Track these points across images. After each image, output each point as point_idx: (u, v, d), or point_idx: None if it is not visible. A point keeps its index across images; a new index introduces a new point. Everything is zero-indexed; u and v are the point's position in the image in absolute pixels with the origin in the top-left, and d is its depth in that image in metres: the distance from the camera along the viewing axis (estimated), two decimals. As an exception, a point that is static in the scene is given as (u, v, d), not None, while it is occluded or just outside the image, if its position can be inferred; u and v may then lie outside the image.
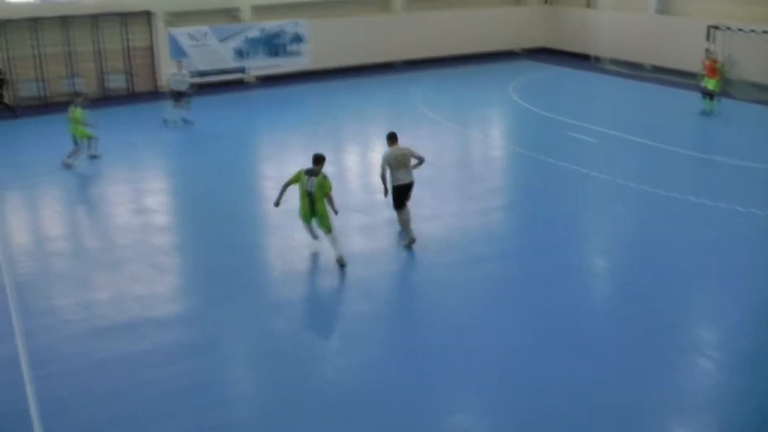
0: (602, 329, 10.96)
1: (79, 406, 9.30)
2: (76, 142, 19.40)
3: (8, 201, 17.23)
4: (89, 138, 19.59)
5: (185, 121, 23.42)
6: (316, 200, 12.86)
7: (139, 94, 27.71)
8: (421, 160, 13.76)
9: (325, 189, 12.83)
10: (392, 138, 13.69)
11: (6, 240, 14.84)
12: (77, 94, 22.75)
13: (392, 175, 13.50)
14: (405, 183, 13.59)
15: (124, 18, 27.07)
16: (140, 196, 17.51)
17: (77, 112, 19.35)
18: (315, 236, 13.82)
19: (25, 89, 26.24)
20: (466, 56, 33.39)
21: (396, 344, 10.67)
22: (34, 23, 25.83)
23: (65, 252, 14.38)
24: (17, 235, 15.37)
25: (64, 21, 26.28)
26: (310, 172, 12.94)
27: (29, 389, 9.63)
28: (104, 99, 26.77)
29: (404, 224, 13.88)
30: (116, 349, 10.56)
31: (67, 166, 19.10)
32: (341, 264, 13.02)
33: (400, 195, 13.62)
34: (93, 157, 19.82)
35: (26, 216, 16.86)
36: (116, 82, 27.61)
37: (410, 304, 12.10)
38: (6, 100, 25.40)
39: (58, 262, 13.87)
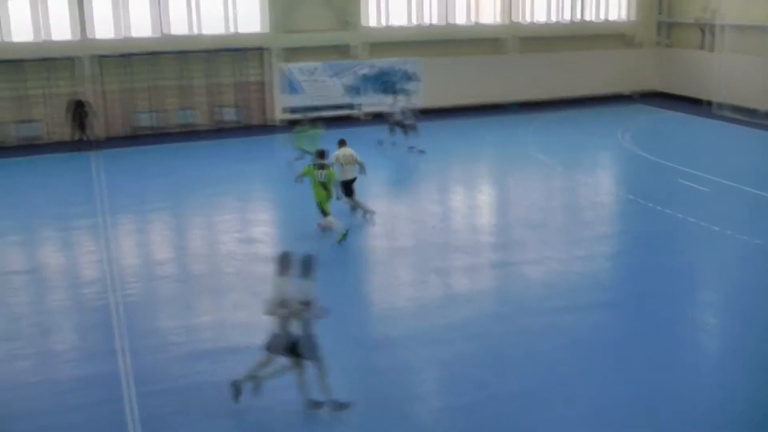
0: (707, 387, 10.56)
1: (176, 426, 9.65)
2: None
3: (123, 224, 18.17)
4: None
5: (410, 148, 24.27)
6: (327, 187, 16.22)
7: (250, 127, 28.74)
8: (362, 165, 17.33)
9: (332, 177, 16.34)
10: (342, 142, 17.71)
11: (118, 261, 15.62)
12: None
13: (341, 170, 16.98)
14: (350, 178, 17.29)
15: (239, 53, 28.26)
16: (247, 226, 18.11)
17: None
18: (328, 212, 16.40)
19: (142, 119, 27.67)
20: (577, 99, 33.11)
21: (497, 388, 10.58)
22: (153, 57, 27.31)
23: (172, 276, 15.05)
24: (128, 257, 16.15)
25: (181, 55, 27.66)
26: (319, 167, 16.18)
27: (131, 405, 10.07)
28: (217, 131, 27.93)
29: (356, 204, 17.52)
30: (216, 374, 10.90)
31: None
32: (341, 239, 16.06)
33: (347, 186, 17.23)
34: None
35: (138, 239, 17.72)
36: (229, 115, 28.76)
37: (512, 348, 12.00)
38: (88, 131, 26.57)
39: (164, 285, 14.53)
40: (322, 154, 16.43)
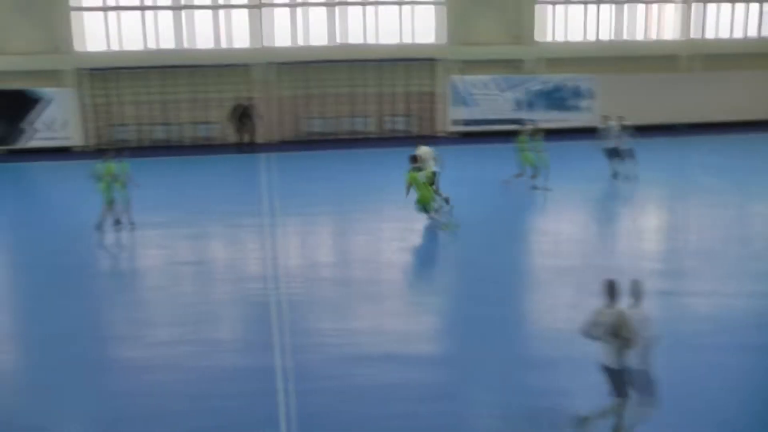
0: None
1: (327, 425, 9.67)
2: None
3: (288, 225, 18.72)
4: None
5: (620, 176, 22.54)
6: (423, 187, 17.54)
7: (419, 137, 28.83)
8: (437, 159, 18.97)
9: (429, 175, 17.71)
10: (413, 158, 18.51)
11: (282, 260, 16.06)
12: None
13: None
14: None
15: (412, 63, 28.54)
16: (408, 235, 18.12)
17: None
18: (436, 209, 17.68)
19: (313, 125, 28.54)
20: (758, 122, 30.93)
21: (654, 426, 9.84)
22: (328, 65, 28.09)
23: (333, 278, 15.29)
24: (292, 257, 16.58)
25: (355, 64, 28.27)
26: (417, 170, 17.75)
27: (285, 400, 10.22)
28: (385, 140, 28.30)
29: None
30: (370, 378, 10.90)
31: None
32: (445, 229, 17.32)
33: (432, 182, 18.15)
34: None
35: (302, 240, 18.18)
36: (398, 125, 29.08)
37: (670, 385, 11.16)
38: (251, 134, 27.63)
39: (325, 287, 14.77)
40: (414, 159, 18.36)
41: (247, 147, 27.45)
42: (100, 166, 18.23)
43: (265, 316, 13.15)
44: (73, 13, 27.58)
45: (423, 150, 19.38)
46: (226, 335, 12.87)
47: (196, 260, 16.81)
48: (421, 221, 19.44)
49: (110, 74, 27.70)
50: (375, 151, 26.92)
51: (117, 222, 18.29)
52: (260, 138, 28.19)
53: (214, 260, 16.84)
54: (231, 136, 28.14)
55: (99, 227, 18.06)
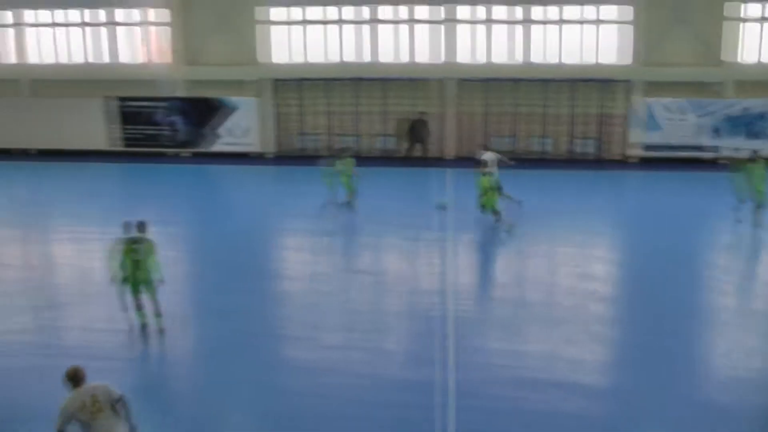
0: None
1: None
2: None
3: (465, 242, 18.79)
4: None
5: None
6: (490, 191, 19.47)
7: (606, 161, 28.13)
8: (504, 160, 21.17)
9: (497, 181, 19.96)
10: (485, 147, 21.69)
11: (456, 276, 16.13)
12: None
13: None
14: None
15: (599, 84, 27.84)
16: (587, 262, 17.66)
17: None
18: None
19: (495, 143, 28.47)
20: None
21: None
22: (513, 83, 27.96)
23: (506, 299, 15.18)
24: (466, 274, 16.64)
25: (541, 83, 27.95)
26: (486, 174, 19.61)
27: (447, 416, 10.27)
28: (570, 162, 27.77)
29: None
30: (533, 403, 10.78)
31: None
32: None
33: None
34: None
35: (477, 258, 18.20)
36: (583, 147, 28.43)
37: None
38: (424, 148, 28.05)
39: (497, 307, 14.70)
40: (482, 163, 20.13)
41: (420, 160, 27.88)
42: (335, 162, 21.36)
43: (435, 331, 13.26)
44: (261, 27, 29.11)
45: (488, 155, 20.96)
46: (394, 345, 13.09)
47: (372, 270, 17.22)
48: (602, 248, 18.93)
49: (294, 85, 29.01)
50: (559, 173, 26.46)
51: (347, 203, 21.48)
52: (443, 153, 28.50)
53: (388, 271, 17.19)
54: (409, 149, 28.66)
55: (345, 205, 21.35)
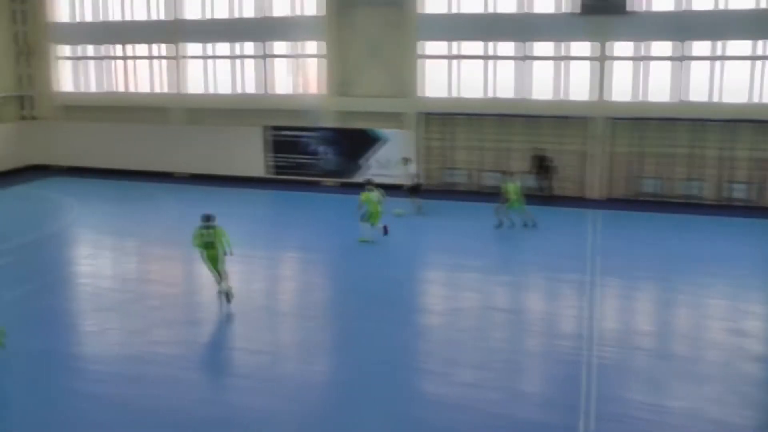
0: None
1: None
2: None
3: (609, 286, 18.42)
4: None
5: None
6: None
7: (762, 208, 26.74)
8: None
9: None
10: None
11: (598, 321, 15.87)
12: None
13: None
14: None
15: (759, 125, 26.58)
16: (738, 316, 16.87)
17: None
18: None
19: (646, 185, 27.75)
20: None
21: None
22: (667, 123, 27.19)
23: (649, 349, 14.76)
24: (608, 320, 16.31)
25: (696, 123, 27.00)
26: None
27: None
28: (722, 208, 26.65)
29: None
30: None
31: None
32: None
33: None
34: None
35: (620, 304, 17.79)
36: (738, 192, 27.20)
37: None
38: (549, 184, 27.91)
39: (640, 357, 14.32)
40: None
41: (546, 198, 27.73)
42: (508, 185, 23.50)
43: (572, 376, 13.12)
44: (414, 60, 29.74)
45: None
46: (531, 387, 13.07)
47: (510, 308, 17.20)
48: (756, 303, 18.02)
49: (442, 119, 29.42)
50: (710, 219, 25.43)
51: (525, 225, 23.69)
52: (587, 194, 28.05)
53: (527, 310, 17.10)
54: (565, 189, 28.34)
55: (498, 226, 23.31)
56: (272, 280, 19.95)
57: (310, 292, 18.52)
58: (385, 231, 22.21)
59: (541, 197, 27.63)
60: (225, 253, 16.69)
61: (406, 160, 26.81)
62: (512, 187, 23.54)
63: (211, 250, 16.63)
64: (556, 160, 28.13)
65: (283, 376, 13.51)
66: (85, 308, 17.62)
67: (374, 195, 22.21)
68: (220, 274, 16.70)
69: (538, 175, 28.11)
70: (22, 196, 29.93)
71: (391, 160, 29.58)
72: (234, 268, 20.04)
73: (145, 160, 33.82)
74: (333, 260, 21.31)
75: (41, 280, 19.07)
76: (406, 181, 26.54)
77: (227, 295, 16.61)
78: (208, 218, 16.84)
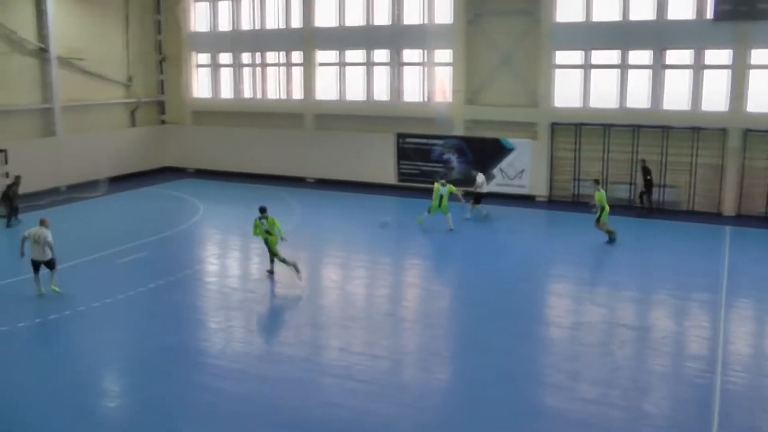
0: None
1: None
2: None
3: (740, 307, 17.77)
4: None
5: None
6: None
7: None
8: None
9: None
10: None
11: (728, 344, 15.31)
12: None
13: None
14: None
15: None
16: None
17: None
18: None
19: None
20: None
21: None
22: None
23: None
24: (739, 343, 15.70)
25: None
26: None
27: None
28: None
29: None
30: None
31: None
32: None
33: None
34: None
35: (753, 328, 17.07)
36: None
37: None
38: (648, 197, 27.40)
39: (771, 383, 13.67)
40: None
41: (646, 210, 27.24)
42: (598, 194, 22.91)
43: (701, 399, 12.73)
44: (543, 70, 29.44)
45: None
46: (655, 408, 12.74)
47: (637, 325, 16.77)
48: None
49: (571, 129, 28.96)
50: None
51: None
52: (721, 209, 26.98)
53: (656, 328, 16.57)
54: (699, 203, 27.46)
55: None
56: (395, 286, 20.21)
57: (433, 300, 18.65)
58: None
59: (642, 209, 26.88)
60: (280, 239, 19.48)
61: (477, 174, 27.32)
62: (600, 196, 22.91)
63: (272, 236, 19.34)
64: (689, 173, 27.26)
65: (404, 383, 13.73)
66: (211, 306, 18.39)
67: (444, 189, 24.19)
68: (277, 256, 19.42)
69: (645, 187, 27.34)
70: (155, 196, 31.50)
71: (518, 169, 29.41)
72: (359, 273, 20.67)
73: (275, 165, 35.06)
74: (455, 269, 21.44)
75: (171, 276, 20.05)
76: (475, 190, 26.91)
77: (296, 267, 19.21)
78: (263, 210, 19.69)
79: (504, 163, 30.00)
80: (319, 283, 20.44)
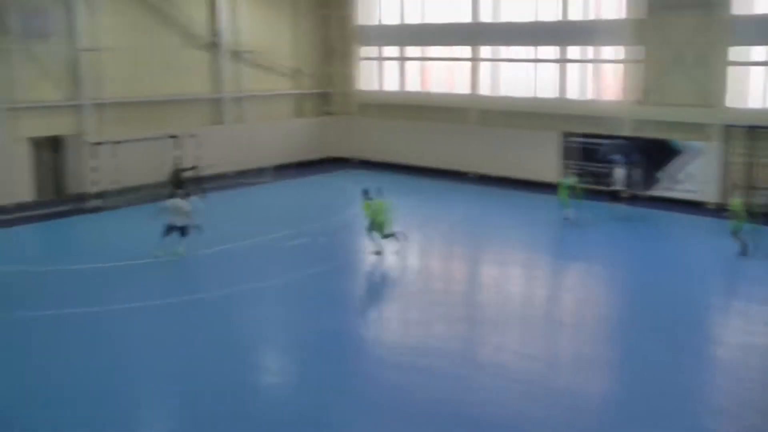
0: None
1: None
2: None
3: None
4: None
5: None
6: None
7: None
8: None
9: None
10: None
11: None
12: None
13: None
14: None
15: None
16: None
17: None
18: None
19: None
20: None
21: None
22: None
23: None
24: None
25: None
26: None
27: None
28: None
29: None
30: None
31: None
32: None
33: None
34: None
35: None
36: None
37: None
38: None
39: None
40: None
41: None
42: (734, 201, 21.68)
43: None
44: (727, 68, 27.69)
45: None
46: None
47: None
48: None
49: (747, 132, 27.11)
50: None
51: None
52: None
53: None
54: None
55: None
56: (554, 287, 19.82)
57: (592, 305, 18.08)
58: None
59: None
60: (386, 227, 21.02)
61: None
62: (737, 203, 21.60)
63: (379, 217, 20.79)
64: None
65: (558, 387, 13.42)
66: (370, 295, 18.70)
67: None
68: (385, 237, 21.00)
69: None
70: (321, 185, 32.42)
71: (692, 174, 27.96)
72: (517, 271, 20.44)
73: (437, 158, 35.18)
74: (619, 273, 20.62)
75: (332, 262, 20.57)
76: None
77: (397, 239, 21.18)
78: (366, 192, 21.42)
79: (672, 166, 28.60)
80: (477, 279, 20.35)
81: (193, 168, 28.28)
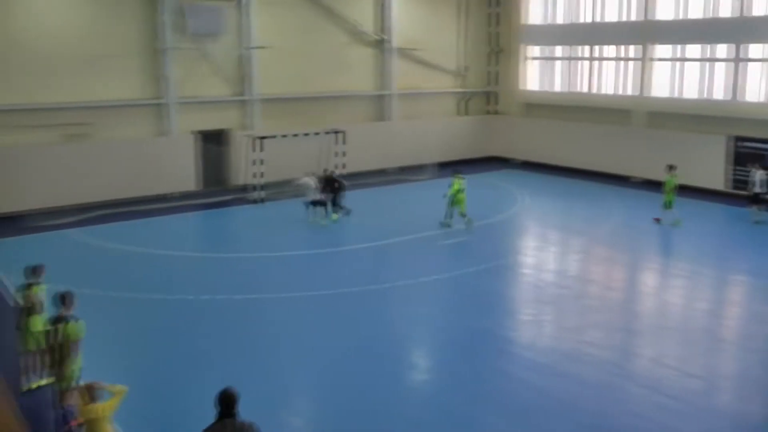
0: None
1: None
2: None
3: None
4: None
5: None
6: None
7: None
8: None
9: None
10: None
11: None
12: None
13: None
14: None
15: None
16: None
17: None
18: None
19: None
20: None
21: None
22: None
23: None
24: None
25: None
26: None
27: None
28: None
29: None
30: None
31: None
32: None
33: None
34: None
35: None
36: None
37: None
38: None
39: None
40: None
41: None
42: None
43: None
44: None
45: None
46: None
47: None
48: None
49: None
50: None
51: None
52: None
53: None
54: None
55: None
56: (716, 301, 18.85)
57: (757, 322, 17.02)
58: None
59: None
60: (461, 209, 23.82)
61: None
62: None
63: (460, 194, 23.66)
64: None
65: (717, 408, 12.81)
66: (523, 297, 18.62)
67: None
68: (461, 215, 23.83)
69: None
70: (481, 184, 32.36)
71: None
72: (677, 282, 19.68)
73: (600, 162, 34.36)
74: None
75: (487, 263, 20.56)
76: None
77: (470, 222, 23.80)
78: (457, 172, 24.54)
79: None
80: (636, 287, 19.73)
81: (339, 185, 25.93)
